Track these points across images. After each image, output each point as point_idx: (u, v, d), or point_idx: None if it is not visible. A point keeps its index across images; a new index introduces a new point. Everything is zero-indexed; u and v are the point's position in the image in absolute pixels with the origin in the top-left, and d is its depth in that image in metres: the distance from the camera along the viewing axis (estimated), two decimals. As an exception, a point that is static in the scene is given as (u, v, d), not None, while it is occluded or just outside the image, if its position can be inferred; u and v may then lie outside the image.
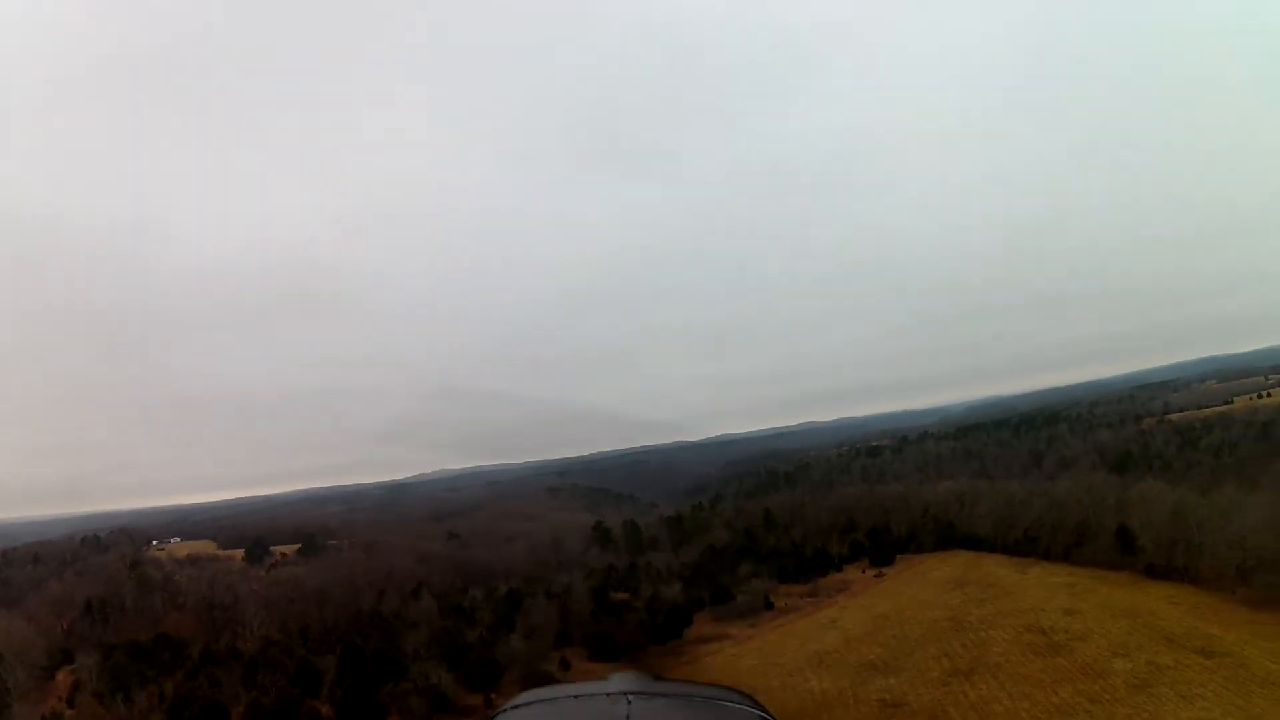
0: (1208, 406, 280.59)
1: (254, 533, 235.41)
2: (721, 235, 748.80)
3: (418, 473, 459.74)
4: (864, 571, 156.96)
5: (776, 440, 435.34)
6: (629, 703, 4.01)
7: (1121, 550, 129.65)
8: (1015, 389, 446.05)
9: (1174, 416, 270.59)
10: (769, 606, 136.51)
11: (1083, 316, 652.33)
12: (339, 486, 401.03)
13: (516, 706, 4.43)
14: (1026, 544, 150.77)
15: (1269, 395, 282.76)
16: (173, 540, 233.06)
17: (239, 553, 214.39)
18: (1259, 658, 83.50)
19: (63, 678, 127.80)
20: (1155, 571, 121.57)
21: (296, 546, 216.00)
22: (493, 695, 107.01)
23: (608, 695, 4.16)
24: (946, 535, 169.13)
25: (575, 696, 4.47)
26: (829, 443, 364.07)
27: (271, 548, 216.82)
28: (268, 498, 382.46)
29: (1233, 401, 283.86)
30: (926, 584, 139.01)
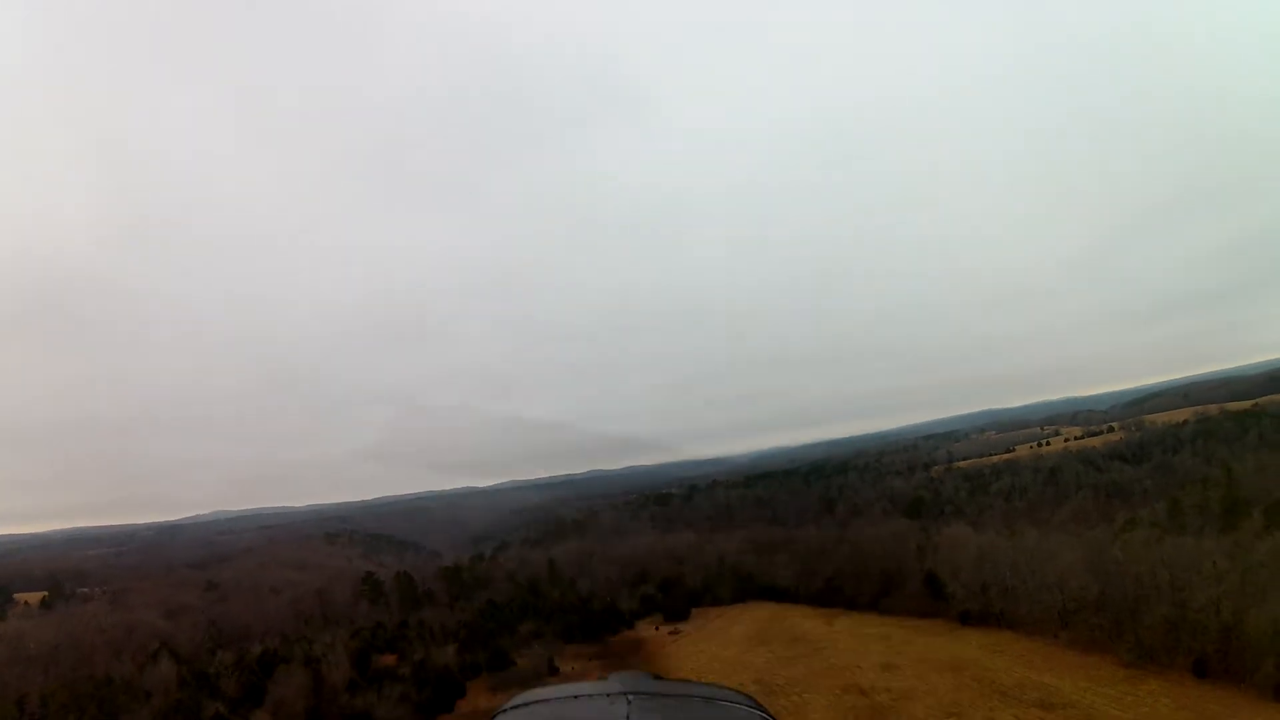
0: (991, 455, 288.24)
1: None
2: (515, 274, 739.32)
3: (193, 513, 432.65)
4: (658, 628, 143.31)
5: (565, 487, 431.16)
6: (629, 703, 3.88)
7: (932, 597, 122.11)
8: (798, 440, 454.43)
9: (962, 464, 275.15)
10: (553, 671, 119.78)
11: (864, 372, 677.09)
12: (109, 526, 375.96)
13: (515, 706, 4.26)
14: (831, 593, 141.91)
15: (1048, 444, 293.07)
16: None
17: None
18: (1105, 706, 75.06)
19: None
20: (970, 618, 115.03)
21: (42, 595, 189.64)
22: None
23: (607, 695, 4.02)
24: (745, 586, 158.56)
25: (575, 696, 4.24)
26: (618, 490, 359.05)
27: (15, 595, 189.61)
28: (28, 536, 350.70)
29: (1014, 450, 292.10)
30: (728, 641, 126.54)
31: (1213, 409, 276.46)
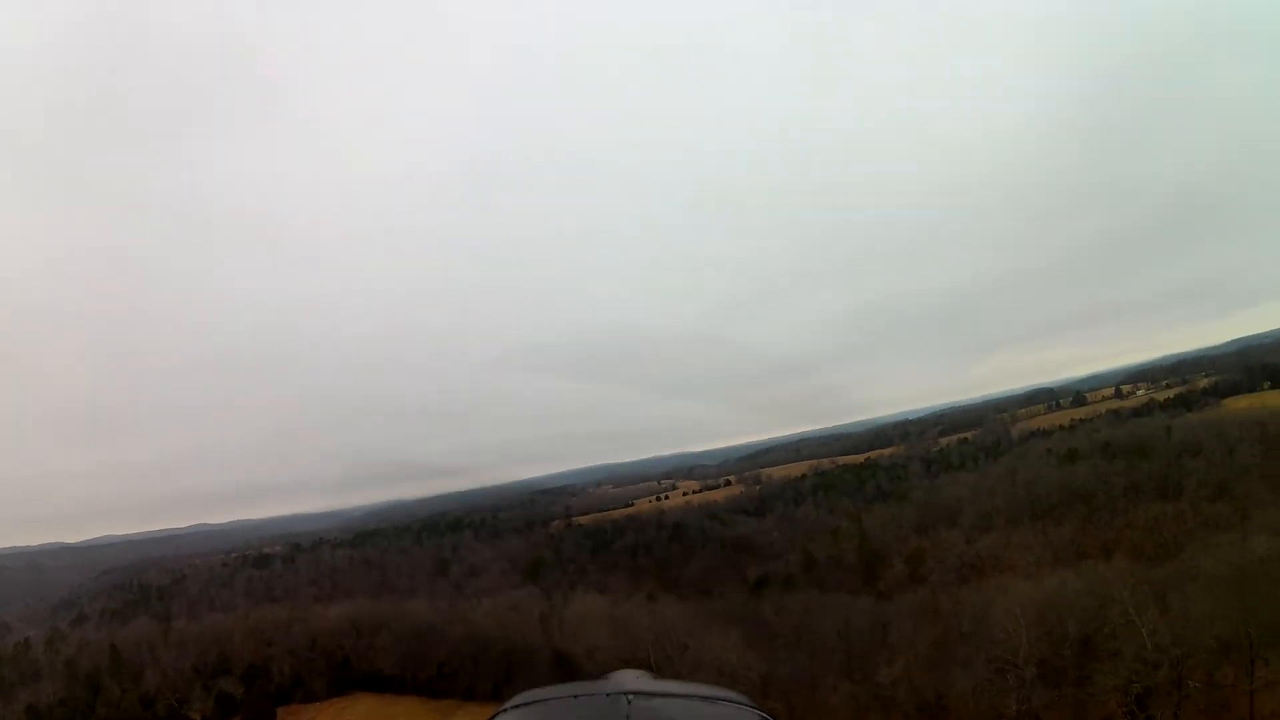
0: (610, 509, 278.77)
1: None
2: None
3: None
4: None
5: (165, 544, 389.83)
6: (629, 702, 3.89)
7: (564, 680, 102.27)
8: (417, 493, 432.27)
9: (581, 520, 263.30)
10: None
11: (477, 425, 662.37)
12: None
13: (516, 706, 4.22)
14: (444, 681, 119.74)
15: (668, 498, 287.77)
16: None
17: None
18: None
19: None
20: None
21: None
22: None
23: (607, 695, 4.03)
24: (343, 675, 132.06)
25: (575, 696, 4.25)
26: (220, 547, 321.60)
27: None
28: None
29: (634, 504, 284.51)
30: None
31: (826, 462, 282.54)
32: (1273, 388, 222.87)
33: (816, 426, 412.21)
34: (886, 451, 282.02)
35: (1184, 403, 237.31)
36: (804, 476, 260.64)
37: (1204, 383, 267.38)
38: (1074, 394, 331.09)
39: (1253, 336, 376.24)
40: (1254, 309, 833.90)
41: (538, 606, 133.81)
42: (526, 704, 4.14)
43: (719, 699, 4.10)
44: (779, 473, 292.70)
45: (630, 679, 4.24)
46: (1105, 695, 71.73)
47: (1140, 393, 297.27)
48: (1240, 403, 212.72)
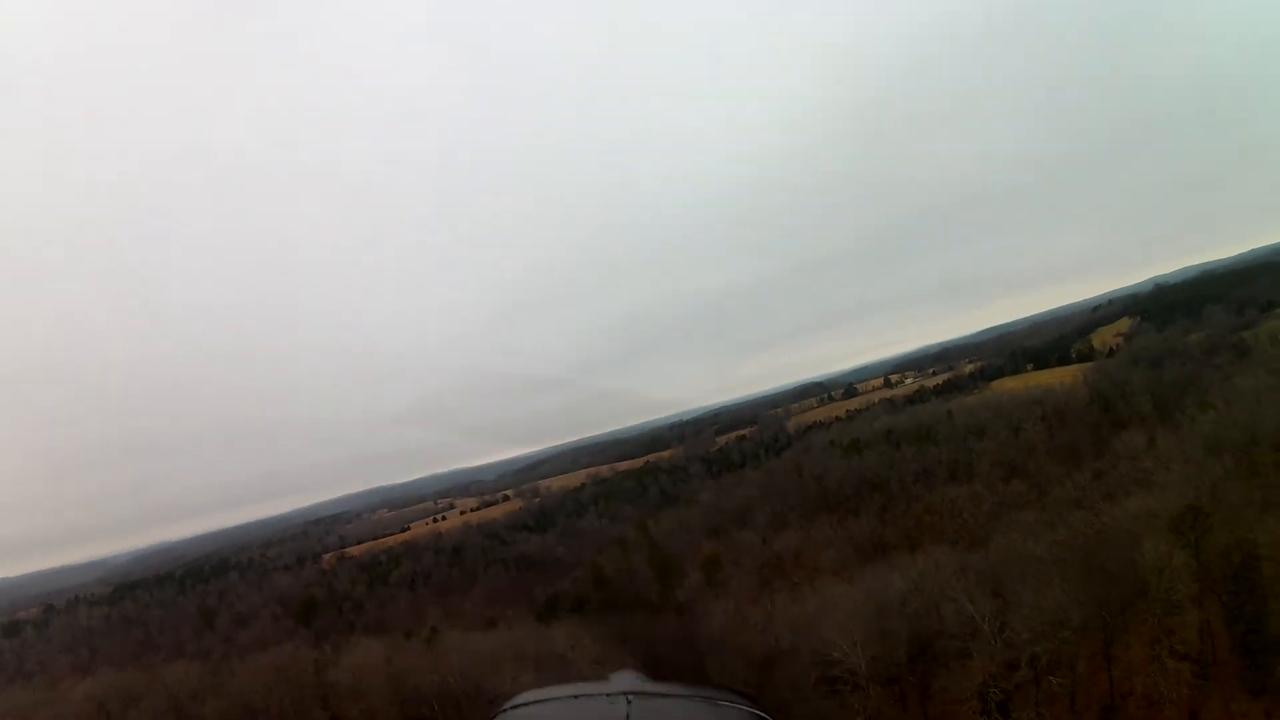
0: (386, 535, 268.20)
1: None
2: None
3: None
4: None
5: None
6: (629, 702, 3.91)
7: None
8: (183, 533, 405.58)
9: (355, 550, 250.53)
10: None
11: (242, 454, 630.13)
12: None
13: (516, 706, 4.22)
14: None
15: (445, 518, 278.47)
16: None
17: None
18: None
19: None
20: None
21: None
22: None
23: (608, 695, 4.04)
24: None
25: (575, 696, 4.24)
26: None
27: None
28: None
29: (410, 528, 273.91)
30: None
31: (605, 470, 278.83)
32: (1036, 368, 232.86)
33: (592, 434, 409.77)
34: (664, 454, 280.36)
35: (953, 387, 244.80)
36: (583, 486, 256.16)
37: (970, 367, 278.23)
38: (845, 386, 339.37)
39: (1009, 324, 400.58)
40: (1008, 299, 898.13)
41: (309, 657, 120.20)
42: (526, 704, 4.12)
43: (719, 700, 4.08)
44: (557, 484, 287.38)
45: (630, 679, 4.16)
46: (961, 704, 66.48)
47: (909, 381, 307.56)
48: (1008, 384, 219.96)
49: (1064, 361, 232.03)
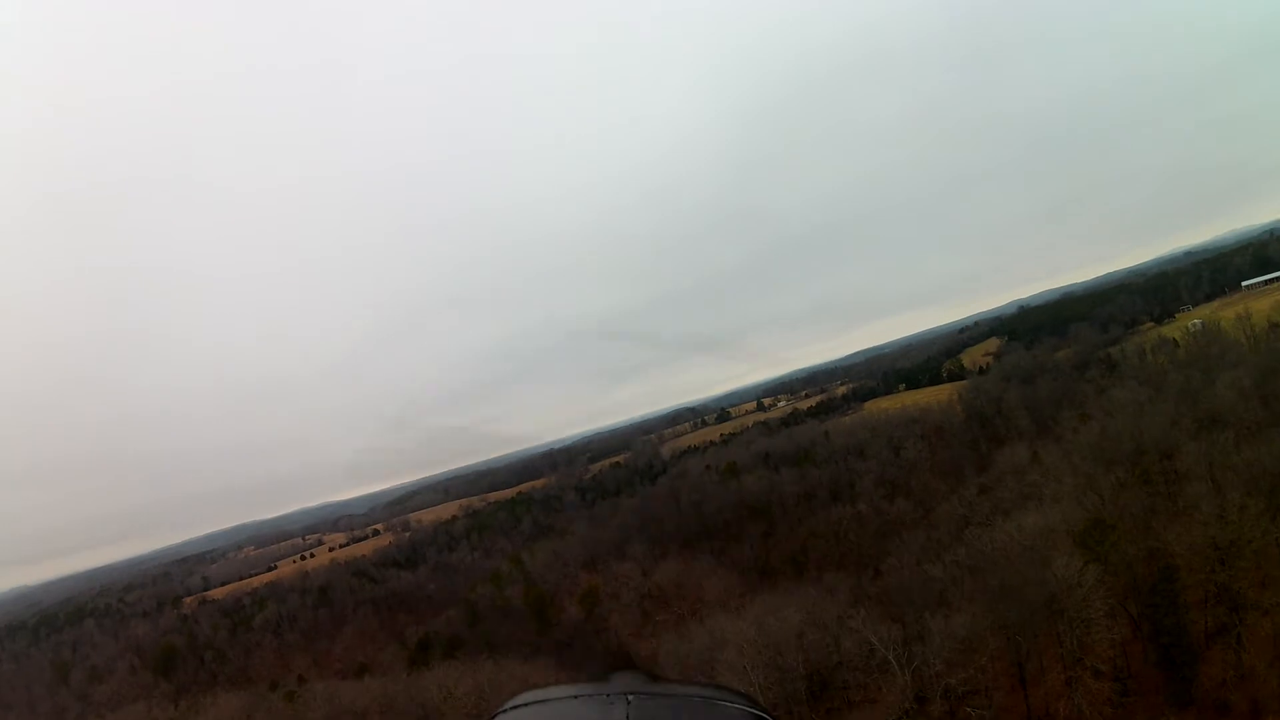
0: (251, 576, 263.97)
1: None
2: None
3: None
4: None
5: None
6: (628, 702, 3.81)
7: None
8: (42, 576, 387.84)
9: (218, 592, 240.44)
10: None
11: (110, 487, 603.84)
12: None
13: (515, 706, 4.06)
14: None
15: (313, 555, 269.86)
16: None
17: None
18: None
19: None
20: None
21: None
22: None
23: (607, 695, 3.91)
24: None
25: (574, 696, 4.05)
26: None
27: None
28: None
29: (277, 566, 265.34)
30: None
31: (477, 501, 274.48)
32: (909, 388, 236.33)
33: (464, 464, 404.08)
34: (538, 483, 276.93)
35: (827, 409, 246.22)
36: (455, 518, 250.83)
37: (843, 389, 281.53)
38: (717, 410, 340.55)
39: (879, 346, 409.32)
40: (877, 322, 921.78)
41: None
42: (525, 704, 3.99)
43: (719, 699, 3.97)
44: (429, 516, 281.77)
45: (630, 679, 4.03)
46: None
47: (781, 404, 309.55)
48: (882, 403, 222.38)
49: (936, 381, 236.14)
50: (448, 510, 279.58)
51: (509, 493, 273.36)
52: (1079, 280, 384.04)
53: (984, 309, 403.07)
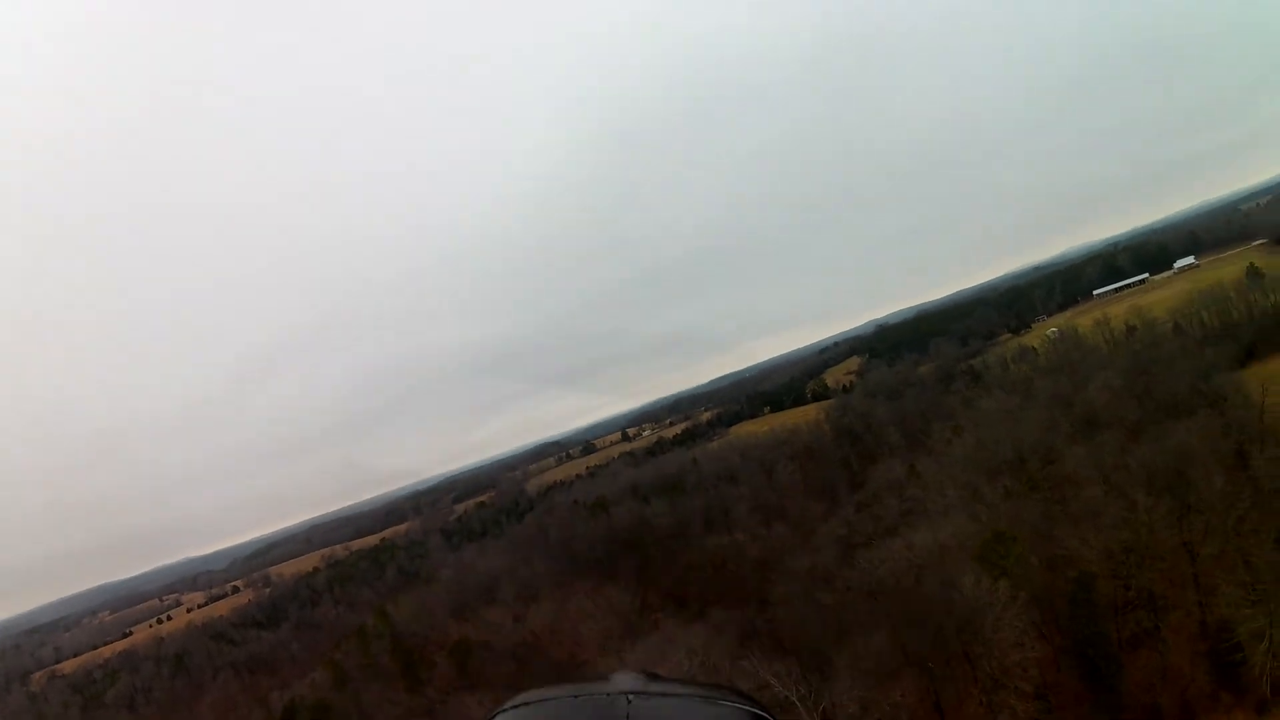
0: (105, 644, 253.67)
1: None
2: None
3: None
4: None
5: None
6: (629, 702, 3.49)
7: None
8: None
9: (69, 665, 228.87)
10: None
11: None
12: None
13: (516, 706, 3.67)
14: None
15: (170, 618, 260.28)
16: None
17: None
18: None
19: None
20: None
21: None
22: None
23: (607, 694, 3.56)
24: None
25: (575, 696, 3.66)
26: None
27: None
28: None
29: (132, 632, 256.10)
30: None
31: (340, 550, 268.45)
32: (774, 410, 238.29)
33: (326, 510, 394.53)
34: (402, 528, 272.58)
35: (693, 436, 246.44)
36: (316, 570, 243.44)
37: (708, 415, 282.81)
38: (582, 443, 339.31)
39: (741, 371, 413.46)
40: (737, 348, 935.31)
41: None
42: (525, 704, 3.65)
43: (719, 699, 3.67)
44: (290, 569, 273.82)
45: (630, 678, 3.67)
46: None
47: (647, 433, 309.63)
48: (748, 427, 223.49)
49: (800, 402, 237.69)
50: (309, 561, 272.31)
51: (373, 539, 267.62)
52: (933, 298, 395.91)
53: (842, 330, 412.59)
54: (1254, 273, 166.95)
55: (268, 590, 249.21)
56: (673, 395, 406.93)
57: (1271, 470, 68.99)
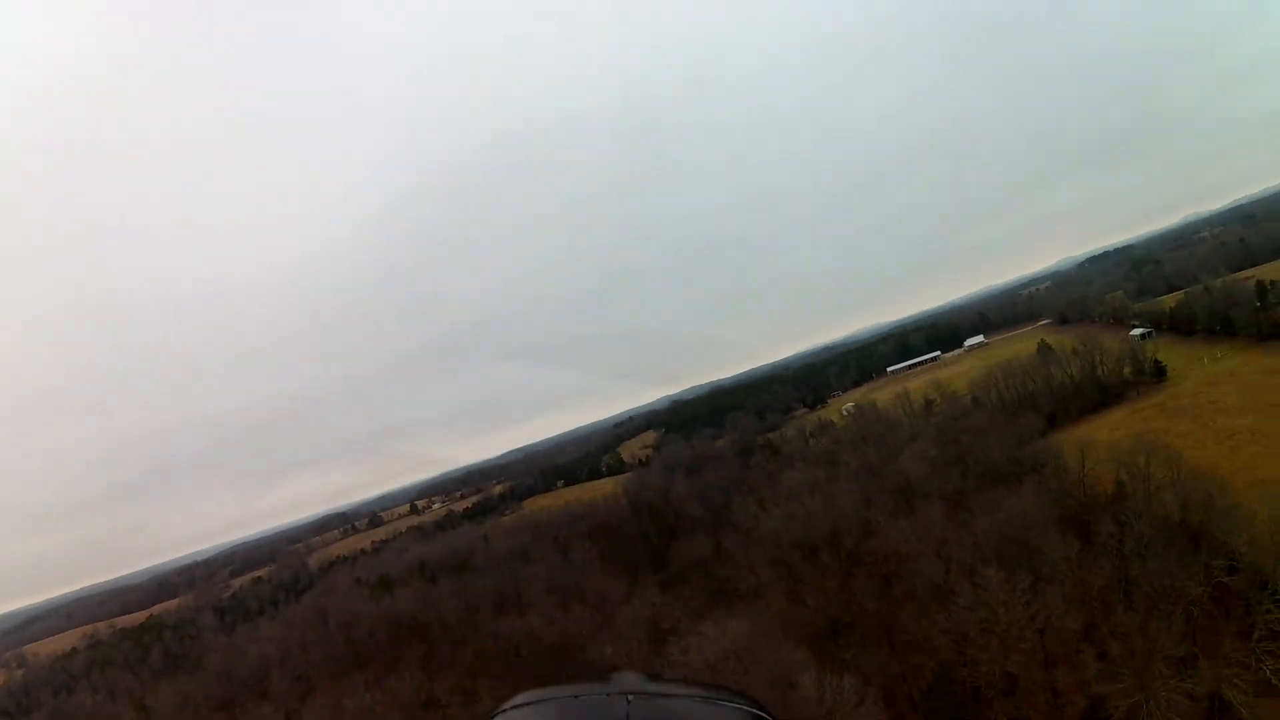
0: None
1: None
2: None
3: None
4: None
5: None
6: (629, 702, 3.81)
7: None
8: None
9: None
10: None
11: None
12: None
13: (515, 706, 3.99)
14: None
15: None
16: None
17: None
18: None
19: None
20: None
21: None
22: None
23: (607, 695, 3.89)
24: None
25: (575, 696, 4.00)
26: None
27: None
28: None
29: None
30: None
31: (103, 628, 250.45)
32: (567, 485, 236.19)
33: (96, 580, 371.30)
34: (172, 604, 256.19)
35: (485, 509, 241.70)
36: (74, 651, 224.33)
37: (500, 488, 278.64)
38: (370, 515, 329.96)
39: (532, 444, 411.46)
40: (529, 421, 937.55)
41: None
42: (526, 704, 3.92)
43: (719, 699, 3.94)
44: (48, 648, 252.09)
45: (630, 679, 4.02)
46: None
47: (436, 506, 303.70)
48: (541, 501, 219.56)
49: (595, 475, 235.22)
50: (69, 640, 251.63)
51: (140, 616, 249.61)
52: (728, 375, 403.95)
53: (636, 405, 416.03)
54: (1045, 348, 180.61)
55: (20, 672, 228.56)
56: (465, 467, 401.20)
57: (1114, 533, 70.26)
